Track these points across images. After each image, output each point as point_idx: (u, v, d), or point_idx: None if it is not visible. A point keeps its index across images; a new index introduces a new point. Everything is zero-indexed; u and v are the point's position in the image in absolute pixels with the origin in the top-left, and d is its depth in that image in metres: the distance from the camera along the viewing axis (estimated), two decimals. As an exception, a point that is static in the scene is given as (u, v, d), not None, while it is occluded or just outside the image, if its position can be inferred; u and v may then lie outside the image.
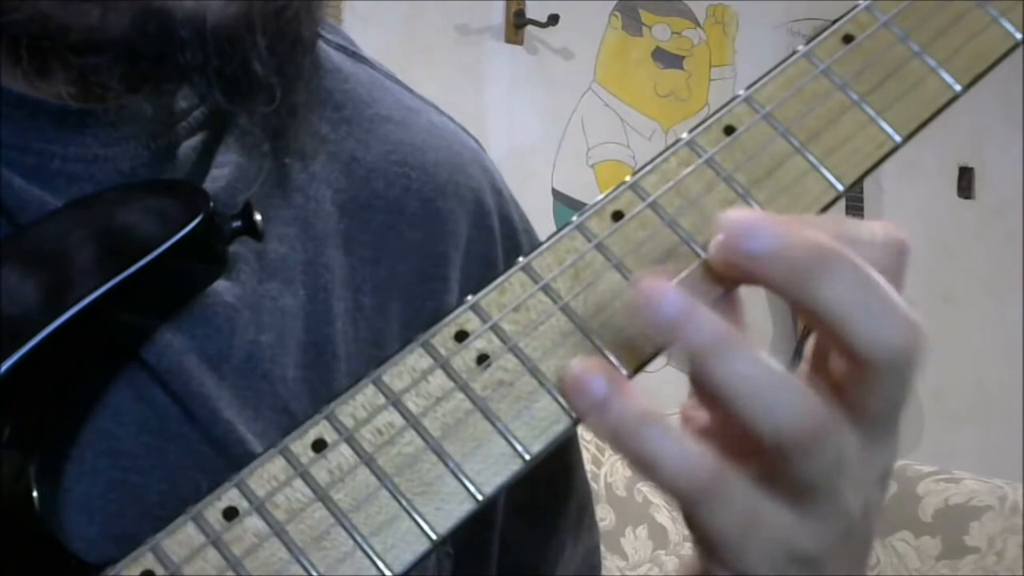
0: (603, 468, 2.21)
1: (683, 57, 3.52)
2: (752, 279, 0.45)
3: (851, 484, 0.46)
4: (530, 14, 3.22)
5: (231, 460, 0.53)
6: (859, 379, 0.45)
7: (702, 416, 0.49)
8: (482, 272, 0.65)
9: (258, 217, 0.53)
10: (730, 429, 0.45)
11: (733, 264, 0.45)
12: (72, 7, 0.51)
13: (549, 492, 0.67)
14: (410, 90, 0.70)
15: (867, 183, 3.22)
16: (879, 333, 0.44)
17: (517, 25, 3.22)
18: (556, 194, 3.29)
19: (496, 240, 0.67)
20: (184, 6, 0.52)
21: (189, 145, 0.58)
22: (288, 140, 0.58)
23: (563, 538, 0.70)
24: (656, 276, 0.45)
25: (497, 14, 3.23)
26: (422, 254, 0.64)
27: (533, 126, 3.28)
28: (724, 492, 0.44)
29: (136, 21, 0.52)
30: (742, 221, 0.44)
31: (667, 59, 3.49)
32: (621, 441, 0.44)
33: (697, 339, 0.43)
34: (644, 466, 0.44)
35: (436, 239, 0.64)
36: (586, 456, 2.17)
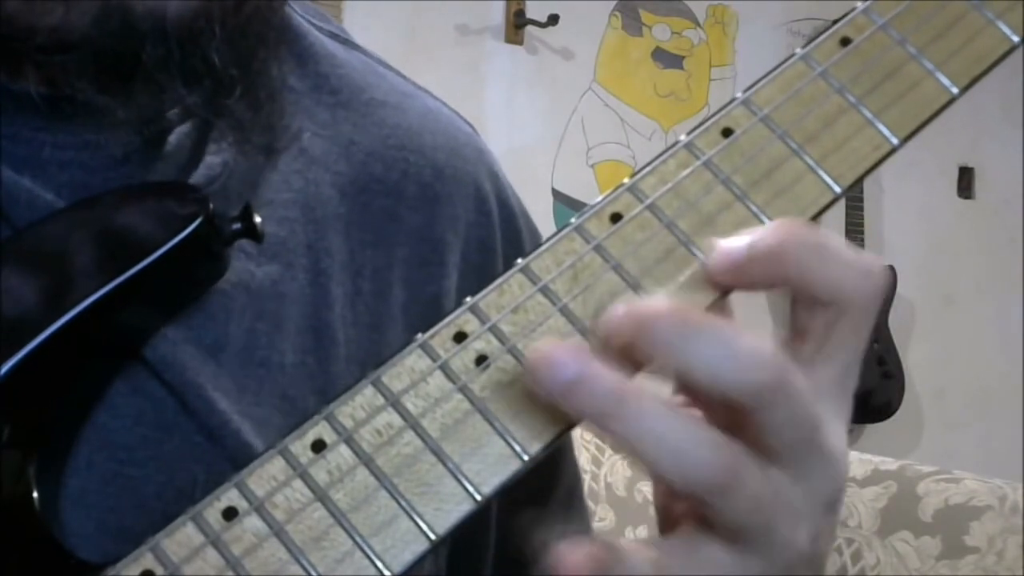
0: (603, 468, 2.21)
1: (683, 57, 3.52)
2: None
3: (788, 518, 0.45)
4: (530, 14, 3.23)
5: (226, 451, 0.53)
6: (745, 420, 0.44)
7: None
8: (480, 257, 0.66)
9: (258, 219, 0.53)
10: None
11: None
12: (36, 7, 0.52)
13: (537, 477, 0.67)
14: (403, 76, 0.70)
15: (867, 183, 3.22)
16: (729, 378, 0.43)
17: (517, 25, 3.22)
18: (556, 194, 3.29)
19: (494, 224, 0.67)
20: (144, 4, 0.52)
21: (181, 132, 0.58)
22: (252, 136, 0.58)
23: (552, 523, 0.70)
24: (548, 343, 0.44)
25: (497, 14, 3.23)
26: (421, 238, 0.64)
27: (533, 126, 3.28)
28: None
29: (98, 19, 0.52)
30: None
31: (667, 59, 3.50)
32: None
33: (591, 402, 0.43)
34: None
35: (435, 223, 0.64)
36: (586, 456, 2.17)
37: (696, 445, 0.43)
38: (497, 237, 0.67)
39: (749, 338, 0.44)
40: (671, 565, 0.44)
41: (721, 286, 0.47)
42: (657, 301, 0.44)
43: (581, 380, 0.43)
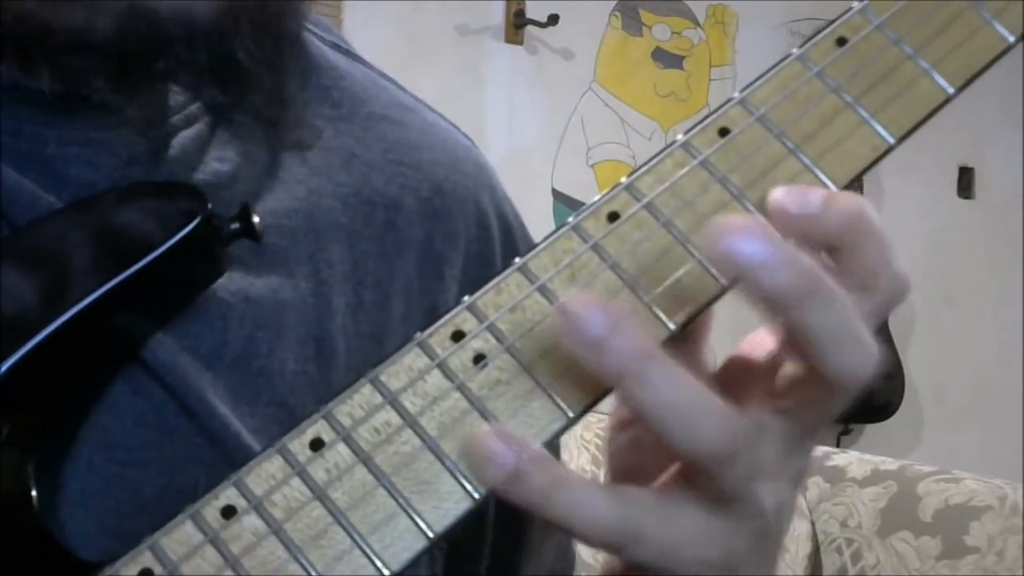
0: (603, 468, 2.20)
1: (683, 57, 3.52)
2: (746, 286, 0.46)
3: (767, 488, 0.46)
4: (530, 14, 3.23)
5: (227, 454, 0.53)
6: (814, 397, 0.46)
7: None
8: (480, 270, 0.66)
9: (256, 219, 0.53)
10: None
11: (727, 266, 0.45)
12: (58, 8, 0.52)
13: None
14: (403, 88, 0.70)
15: (867, 183, 3.22)
16: (852, 363, 0.45)
17: (517, 25, 3.22)
18: (556, 194, 3.29)
19: (493, 238, 0.67)
20: (170, 5, 0.52)
21: (186, 136, 0.58)
22: (281, 130, 0.59)
23: (532, 531, 0.70)
24: (581, 295, 0.45)
25: (497, 14, 3.23)
26: (421, 252, 0.64)
27: (533, 126, 3.28)
28: (643, 534, 0.45)
29: (123, 21, 0.52)
30: (742, 226, 0.45)
31: (667, 59, 3.50)
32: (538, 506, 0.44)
33: (615, 361, 0.43)
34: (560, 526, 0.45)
35: (434, 238, 0.65)
36: (586, 456, 2.17)
37: (710, 414, 0.44)
38: (496, 251, 0.67)
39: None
40: (644, 517, 0.45)
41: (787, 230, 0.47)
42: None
43: (608, 338, 0.43)
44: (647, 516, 0.45)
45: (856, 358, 0.45)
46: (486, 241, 0.67)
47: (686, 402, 0.44)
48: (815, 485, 2.31)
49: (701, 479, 0.45)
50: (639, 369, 0.43)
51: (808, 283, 0.44)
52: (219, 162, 0.58)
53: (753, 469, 0.45)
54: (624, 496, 0.45)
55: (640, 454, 0.50)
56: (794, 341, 0.46)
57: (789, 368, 0.47)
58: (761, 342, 0.49)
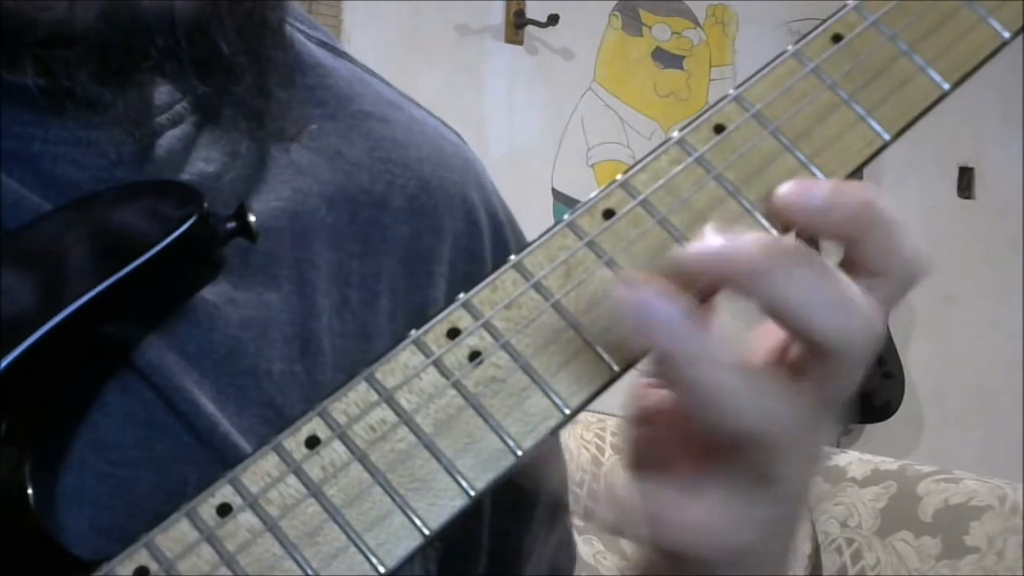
0: (603, 468, 2.21)
1: (683, 57, 3.52)
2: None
3: (796, 468, 0.47)
4: (530, 14, 3.23)
5: (216, 453, 0.53)
6: (819, 368, 0.46)
7: (656, 397, 0.50)
8: (469, 266, 0.66)
9: (252, 218, 0.53)
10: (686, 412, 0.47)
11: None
12: (39, 2, 0.52)
13: (520, 485, 0.67)
14: (389, 84, 0.70)
15: (867, 183, 3.21)
16: (836, 324, 0.45)
17: (517, 25, 3.23)
18: (556, 194, 3.29)
19: (483, 233, 0.67)
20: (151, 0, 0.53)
21: (172, 136, 0.58)
22: (266, 122, 0.59)
23: (536, 528, 0.70)
24: (641, 275, 0.46)
25: (497, 14, 3.23)
26: (408, 249, 0.64)
27: (533, 126, 3.29)
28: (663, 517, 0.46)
29: (104, 14, 0.52)
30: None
31: (667, 59, 3.50)
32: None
33: (678, 343, 0.44)
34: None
35: (421, 234, 0.65)
36: (586, 456, 2.17)
37: (773, 399, 0.45)
38: (486, 247, 0.67)
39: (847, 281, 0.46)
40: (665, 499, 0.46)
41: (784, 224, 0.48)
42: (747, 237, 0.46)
43: (672, 321, 0.45)
44: (668, 499, 0.46)
45: (838, 318, 0.45)
46: (475, 236, 0.67)
47: (743, 384, 0.45)
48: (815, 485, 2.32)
49: (741, 462, 0.46)
50: (699, 351, 0.44)
51: (759, 264, 0.45)
52: (205, 162, 0.58)
53: (792, 451, 0.46)
54: (645, 479, 0.46)
55: (657, 449, 0.50)
56: (776, 320, 0.46)
57: (792, 351, 0.48)
58: (768, 332, 0.50)
